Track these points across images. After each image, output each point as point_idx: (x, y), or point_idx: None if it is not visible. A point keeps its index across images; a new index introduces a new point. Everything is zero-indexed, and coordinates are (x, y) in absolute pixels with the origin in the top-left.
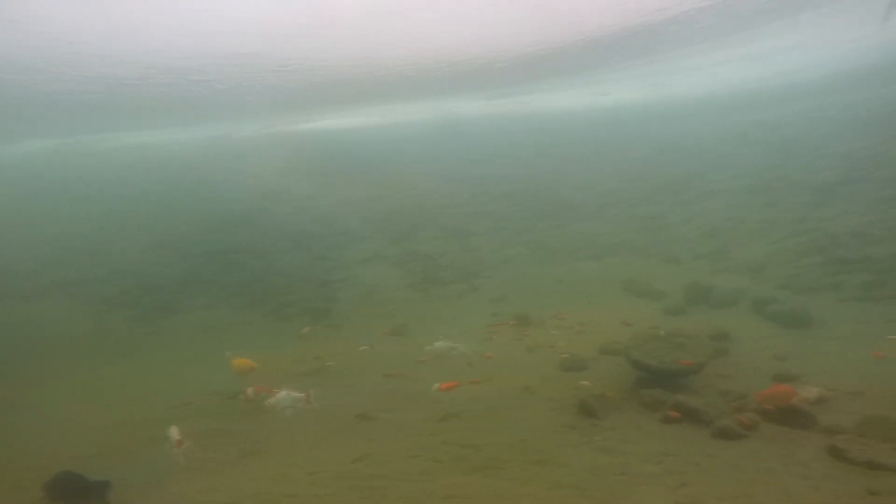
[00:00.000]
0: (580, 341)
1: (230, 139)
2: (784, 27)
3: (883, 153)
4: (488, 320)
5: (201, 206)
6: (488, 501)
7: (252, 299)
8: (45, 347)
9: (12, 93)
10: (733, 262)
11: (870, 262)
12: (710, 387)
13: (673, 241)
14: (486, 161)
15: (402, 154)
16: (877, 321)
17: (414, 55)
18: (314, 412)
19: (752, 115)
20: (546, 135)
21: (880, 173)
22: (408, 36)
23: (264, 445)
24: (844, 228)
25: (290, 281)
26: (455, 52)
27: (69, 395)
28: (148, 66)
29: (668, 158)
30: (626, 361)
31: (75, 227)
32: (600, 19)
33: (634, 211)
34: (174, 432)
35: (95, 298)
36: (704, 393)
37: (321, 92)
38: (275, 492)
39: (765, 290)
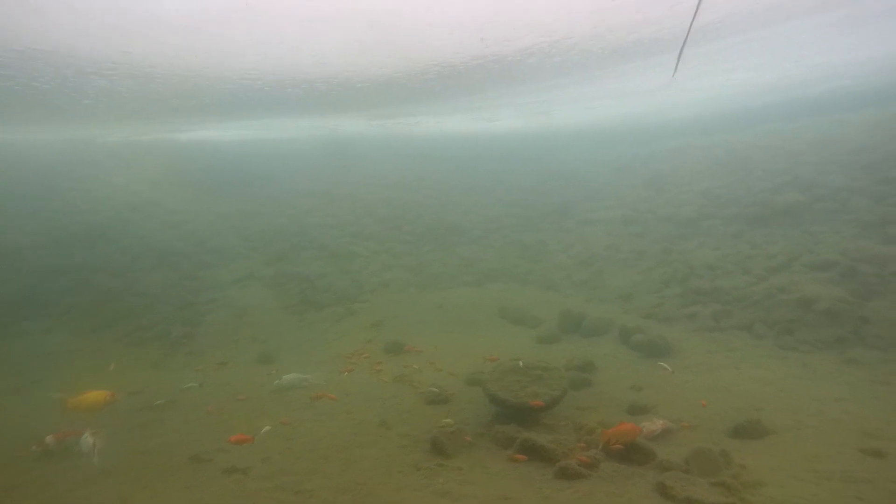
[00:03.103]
0: (448, 372)
1: (93, 144)
2: (648, 67)
3: (733, 192)
4: (359, 348)
5: (50, 217)
6: None
7: (102, 322)
8: None
9: None
10: (606, 290)
11: (719, 293)
12: (567, 420)
13: (552, 269)
14: (370, 182)
15: (283, 170)
16: (721, 351)
17: (270, 70)
18: (141, 454)
19: (628, 149)
20: (432, 159)
21: (729, 210)
22: (266, 49)
23: (64, 501)
24: (701, 261)
25: (149, 302)
26: (327, 71)
27: None
28: None
29: (551, 187)
30: (484, 395)
31: None
32: (452, 49)
33: (516, 237)
34: None
35: None
36: (559, 428)
37: (187, 100)
38: None
39: (632, 320)
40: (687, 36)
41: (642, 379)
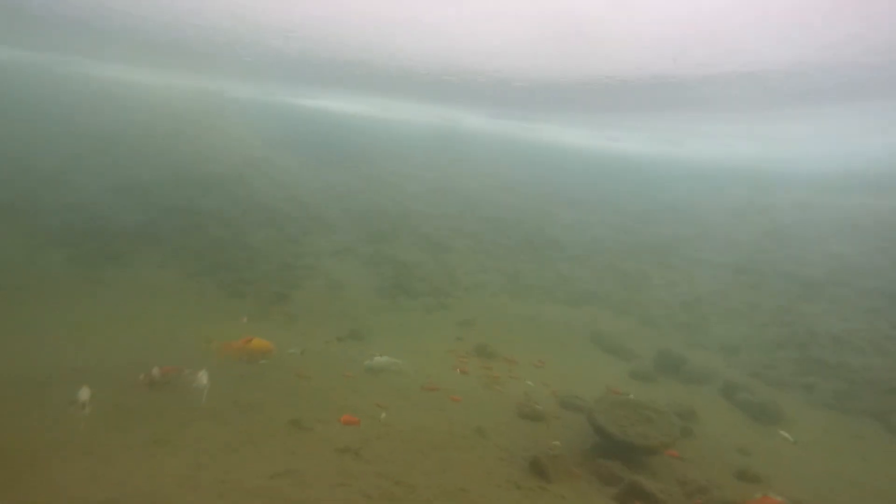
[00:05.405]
0: (544, 389)
1: (222, 97)
2: (802, 116)
3: (873, 262)
4: (452, 345)
5: (175, 159)
6: None
7: (208, 267)
8: None
9: None
10: (709, 337)
11: (846, 369)
12: (670, 469)
13: (651, 303)
14: (477, 179)
15: (394, 152)
16: (844, 434)
17: (424, 55)
18: (243, 408)
19: (750, 193)
20: (543, 167)
21: (868, 282)
22: (420, 35)
23: (176, 435)
24: (825, 329)
25: (252, 257)
26: (466, 62)
27: None
28: None
29: (660, 218)
30: (588, 422)
31: (33, 149)
32: (630, 63)
33: (617, 263)
34: (83, 393)
35: (36, 229)
36: (662, 475)
37: (322, 69)
38: (175, 497)
39: (737, 375)
40: None
41: (750, 443)
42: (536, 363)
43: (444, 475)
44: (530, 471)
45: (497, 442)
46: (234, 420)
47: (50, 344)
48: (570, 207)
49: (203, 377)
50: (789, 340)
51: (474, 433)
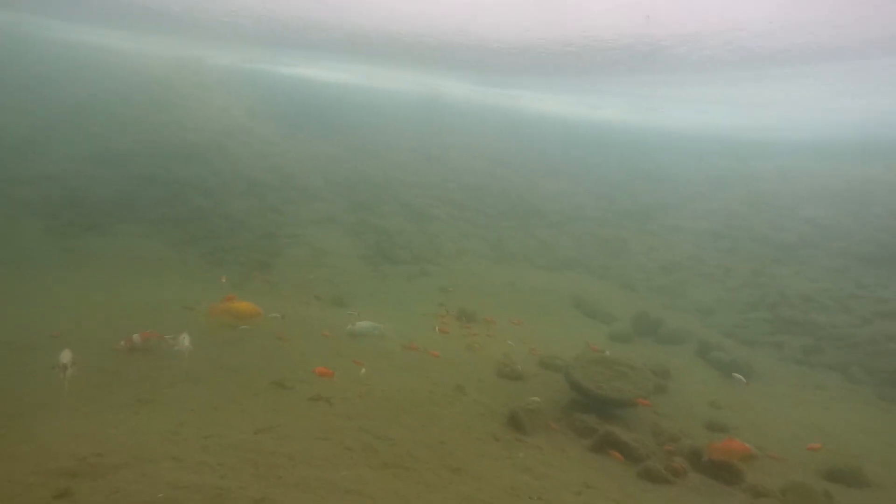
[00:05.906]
0: (523, 349)
1: (202, 64)
2: (783, 77)
3: (843, 225)
4: (435, 309)
5: (154, 127)
6: (392, 503)
7: (189, 237)
8: None
9: None
10: (685, 300)
11: (813, 327)
12: (644, 422)
13: (630, 268)
14: (460, 148)
15: (377, 121)
16: (809, 386)
17: (402, 15)
18: (225, 370)
19: (729, 161)
20: (526, 136)
21: (837, 244)
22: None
23: (160, 396)
24: (795, 290)
25: (234, 226)
26: (447, 26)
27: None
28: None
29: (640, 186)
30: (565, 379)
31: (5, 117)
32: (606, 25)
33: (597, 230)
34: (65, 356)
35: (11, 200)
36: (637, 428)
37: (300, 33)
38: (159, 451)
39: (711, 335)
40: None
41: (721, 397)
42: (514, 321)
43: (423, 430)
44: (508, 424)
45: (477, 399)
46: (216, 381)
47: (29, 312)
48: (550, 176)
49: (185, 340)
50: (761, 301)
51: (454, 391)
